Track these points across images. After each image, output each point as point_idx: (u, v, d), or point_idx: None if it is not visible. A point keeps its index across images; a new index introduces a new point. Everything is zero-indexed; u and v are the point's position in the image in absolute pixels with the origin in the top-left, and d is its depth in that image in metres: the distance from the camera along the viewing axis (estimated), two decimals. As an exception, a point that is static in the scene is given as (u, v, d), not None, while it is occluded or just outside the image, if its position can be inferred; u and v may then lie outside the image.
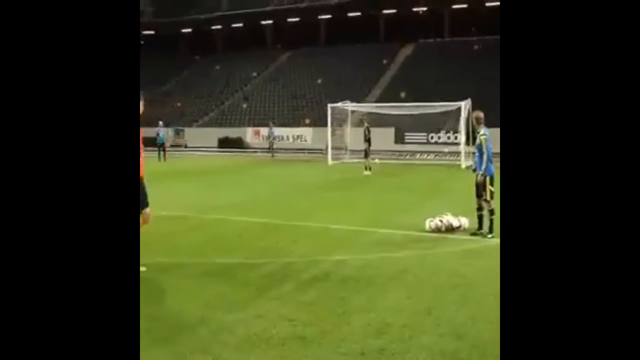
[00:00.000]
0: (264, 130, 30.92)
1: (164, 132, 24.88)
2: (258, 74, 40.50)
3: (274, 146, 27.33)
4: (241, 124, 34.07)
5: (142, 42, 47.14)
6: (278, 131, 29.09)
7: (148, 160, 21.68)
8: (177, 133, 33.87)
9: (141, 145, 5.02)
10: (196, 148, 31.14)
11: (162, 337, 3.78)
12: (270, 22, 43.51)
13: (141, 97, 5.29)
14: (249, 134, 32.75)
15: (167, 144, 25.78)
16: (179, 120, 35.93)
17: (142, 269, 4.64)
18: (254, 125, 33.04)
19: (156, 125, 24.38)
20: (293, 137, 31.15)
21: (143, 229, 5.20)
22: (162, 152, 23.66)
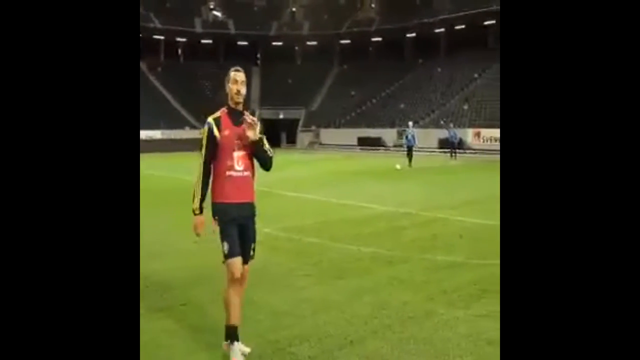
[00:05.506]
0: (484, 132, 30.90)
1: (412, 134, 22.21)
2: (479, 75, 39.17)
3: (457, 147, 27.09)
4: (462, 125, 33.40)
5: (370, 49, 49.11)
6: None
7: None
8: (399, 134, 34.70)
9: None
10: (418, 148, 31.25)
11: (387, 324, 4.01)
12: (492, 22, 41.56)
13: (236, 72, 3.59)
14: (469, 135, 32.06)
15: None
16: (403, 121, 36.80)
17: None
18: (475, 127, 32.30)
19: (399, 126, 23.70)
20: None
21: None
22: (410, 155, 21.55)
